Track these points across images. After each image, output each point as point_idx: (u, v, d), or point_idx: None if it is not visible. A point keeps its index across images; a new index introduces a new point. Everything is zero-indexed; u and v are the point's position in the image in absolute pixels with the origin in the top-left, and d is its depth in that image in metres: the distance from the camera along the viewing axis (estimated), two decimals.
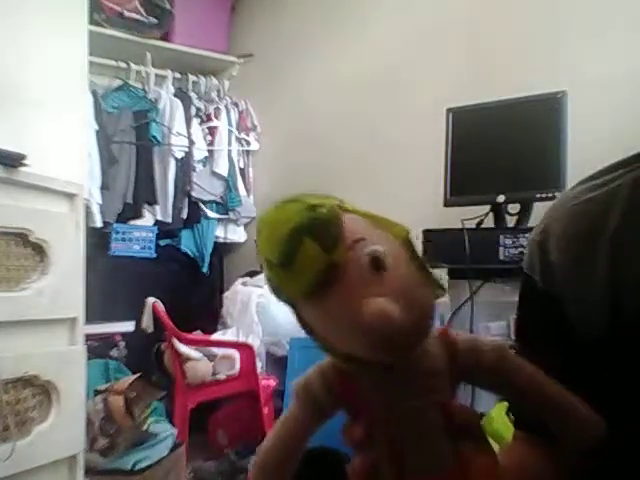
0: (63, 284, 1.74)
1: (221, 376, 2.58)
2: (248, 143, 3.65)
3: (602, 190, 0.61)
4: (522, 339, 0.68)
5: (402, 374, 0.43)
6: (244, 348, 2.61)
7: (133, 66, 3.31)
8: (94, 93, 3.07)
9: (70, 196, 1.81)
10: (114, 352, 2.88)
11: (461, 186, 2.29)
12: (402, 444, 0.44)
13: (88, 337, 2.01)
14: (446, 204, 2.30)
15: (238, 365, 2.59)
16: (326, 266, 0.39)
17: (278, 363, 2.74)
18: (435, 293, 0.42)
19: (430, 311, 0.41)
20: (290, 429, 0.46)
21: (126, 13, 3.20)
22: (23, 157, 1.62)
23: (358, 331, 0.39)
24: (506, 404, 0.68)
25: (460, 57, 2.71)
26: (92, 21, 2.87)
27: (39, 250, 1.69)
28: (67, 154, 2.34)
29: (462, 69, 2.68)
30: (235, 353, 2.61)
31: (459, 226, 2.15)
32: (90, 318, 1.90)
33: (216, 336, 2.78)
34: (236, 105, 3.65)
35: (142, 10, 3.26)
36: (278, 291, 0.43)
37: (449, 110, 2.35)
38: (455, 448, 0.44)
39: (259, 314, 2.76)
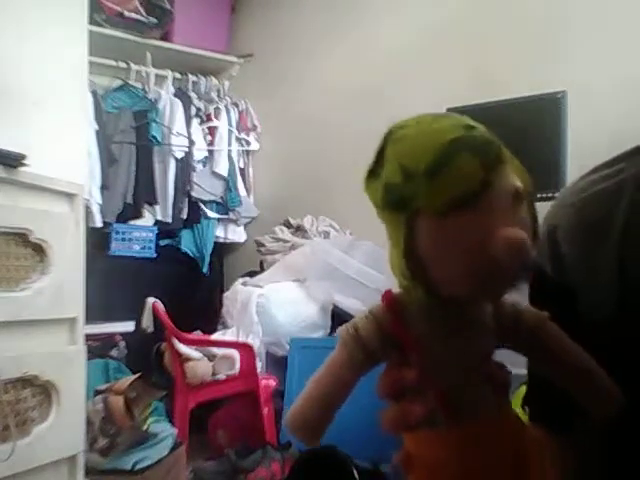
0: (63, 284, 1.74)
1: (221, 376, 2.58)
2: (248, 143, 3.65)
3: (610, 182, 0.62)
4: None
5: (460, 320, 0.44)
6: (244, 348, 2.61)
7: (133, 66, 3.31)
8: (94, 93, 3.07)
9: (70, 196, 1.81)
10: (114, 352, 2.88)
11: None
12: (454, 390, 0.45)
13: (88, 337, 2.00)
14: None
15: (238, 365, 2.59)
16: (479, 183, 0.39)
17: (278, 363, 2.73)
18: None
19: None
20: (338, 375, 0.46)
21: (126, 13, 3.20)
22: (23, 157, 1.61)
23: (489, 254, 0.39)
24: (521, 396, 0.68)
25: (460, 57, 2.71)
26: (92, 21, 2.86)
27: (39, 250, 1.68)
28: (67, 154, 2.33)
29: (462, 69, 2.68)
30: (235, 353, 2.61)
31: None
32: (90, 318, 1.90)
33: (216, 336, 2.78)
34: (236, 105, 3.65)
35: (142, 10, 3.26)
36: (405, 203, 0.41)
37: (449, 110, 2.34)
38: (496, 400, 0.46)
39: (259, 314, 2.75)
